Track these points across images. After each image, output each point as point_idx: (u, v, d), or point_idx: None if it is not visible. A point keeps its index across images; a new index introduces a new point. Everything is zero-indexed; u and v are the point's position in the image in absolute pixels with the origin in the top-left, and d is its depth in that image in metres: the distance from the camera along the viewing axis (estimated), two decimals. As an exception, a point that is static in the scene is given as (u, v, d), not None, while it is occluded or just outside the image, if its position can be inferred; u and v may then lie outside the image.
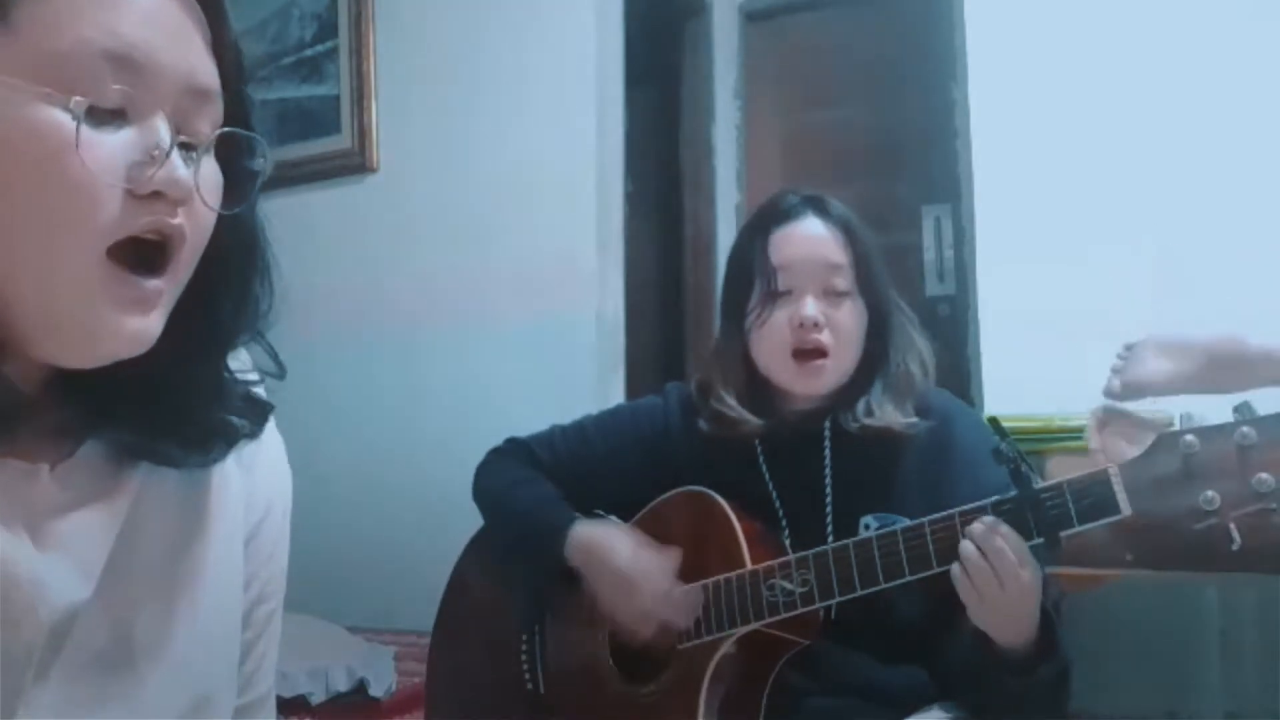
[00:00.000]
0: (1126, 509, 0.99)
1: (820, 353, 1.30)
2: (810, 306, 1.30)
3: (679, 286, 3.32)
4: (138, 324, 0.60)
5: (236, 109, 0.65)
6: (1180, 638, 2.11)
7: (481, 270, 2.56)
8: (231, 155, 0.64)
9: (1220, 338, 1.41)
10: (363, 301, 2.66)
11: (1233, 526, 0.95)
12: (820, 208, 1.36)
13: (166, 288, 0.61)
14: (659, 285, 3.35)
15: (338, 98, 2.71)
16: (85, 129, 0.56)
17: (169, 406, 0.66)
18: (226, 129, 0.63)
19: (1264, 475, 0.93)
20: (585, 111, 2.49)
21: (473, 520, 1.51)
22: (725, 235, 3.18)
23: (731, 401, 1.36)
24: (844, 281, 1.32)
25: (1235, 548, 0.95)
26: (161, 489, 0.68)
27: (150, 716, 0.65)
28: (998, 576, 1.05)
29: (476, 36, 2.60)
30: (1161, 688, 2.10)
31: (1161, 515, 0.99)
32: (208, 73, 0.62)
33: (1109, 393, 1.49)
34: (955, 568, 1.08)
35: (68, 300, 0.58)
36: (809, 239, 1.34)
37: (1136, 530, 1.01)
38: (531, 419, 1.57)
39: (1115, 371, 1.49)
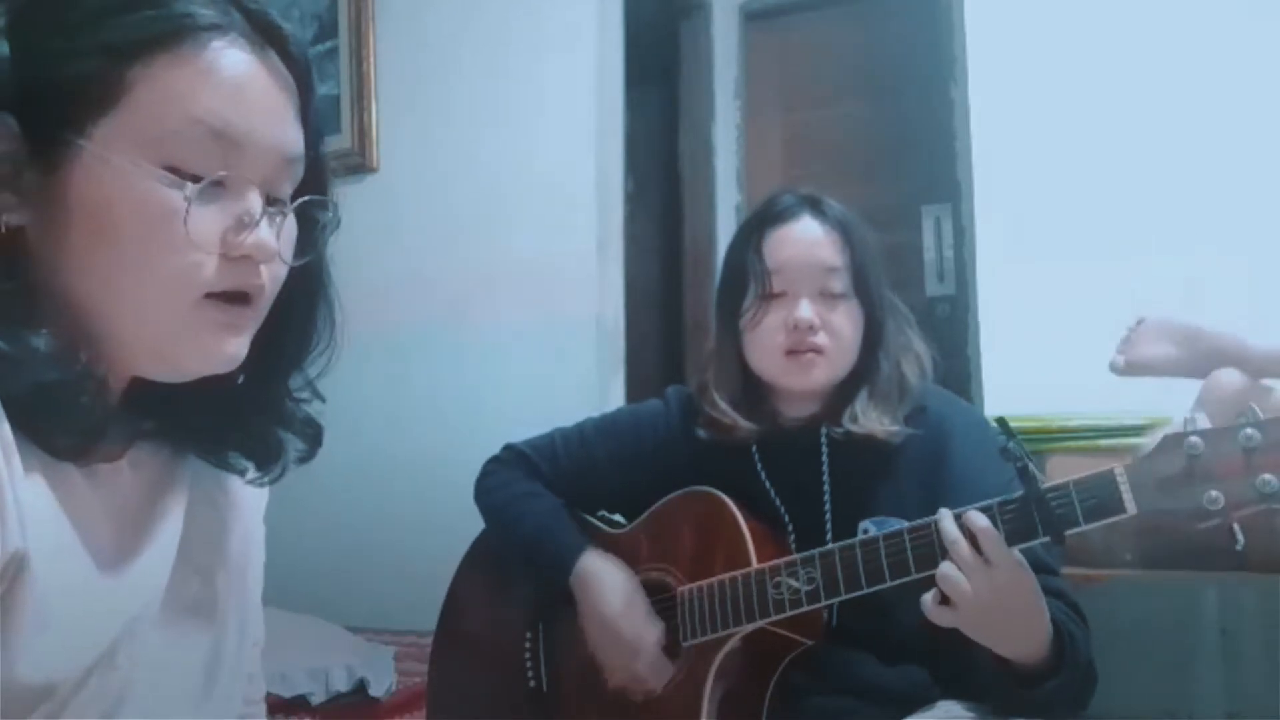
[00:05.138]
0: (1132, 508, 0.99)
1: (815, 350, 1.30)
2: (805, 308, 1.29)
3: (679, 287, 3.32)
4: (232, 345, 0.69)
5: (314, 167, 0.73)
6: (1180, 638, 2.11)
7: (481, 271, 2.56)
8: (306, 210, 0.73)
9: (1224, 333, 1.40)
10: (362, 302, 2.63)
11: (1236, 527, 0.96)
12: (816, 208, 1.35)
13: (253, 316, 0.70)
14: (659, 286, 3.35)
15: (338, 98, 2.71)
16: (193, 203, 0.64)
17: (235, 422, 0.76)
18: (308, 198, 0.72)
19: (1268, 476, 0.94)
20: (585, 111, 2.49)
21: (471, 521, 1.51)
22: (725, 235, 3.17)
23: (724, 406, 1.35)
24: (840, 284, 1.31)
25: (1239, 548, 0.95)
26: (202, 482, 0.79)
27: (225, 657, 0.79)
28: (963, 571, 1.05)
29: (476, 37, 2.60)
30: (1161, 688, 2.10)
31: (1166, 515, 0.99)
32: (296, 142, 0.71)
33: (1114, 368, 1.48)
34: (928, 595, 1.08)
35: (170, 331, 0.67)
36: (804, 240, 1.33)
37: (1140, 530, 1.02)
38: (531, 421, 1.57)
39: (1121, 348, 1.48)
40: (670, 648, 1.32)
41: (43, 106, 0.63)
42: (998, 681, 1.13)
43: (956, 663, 1.21)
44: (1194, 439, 0.98)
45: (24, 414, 0.62)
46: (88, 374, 0.65)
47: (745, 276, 1.34)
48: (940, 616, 1.07)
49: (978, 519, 1.05)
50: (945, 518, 1.08)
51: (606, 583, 1.33)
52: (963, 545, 1.05)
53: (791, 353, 1.30)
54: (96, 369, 0.65)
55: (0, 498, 0.60)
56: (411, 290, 2.63)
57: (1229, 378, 1.32)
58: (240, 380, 0.72)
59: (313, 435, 0.80)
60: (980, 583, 1.04)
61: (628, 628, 1.30)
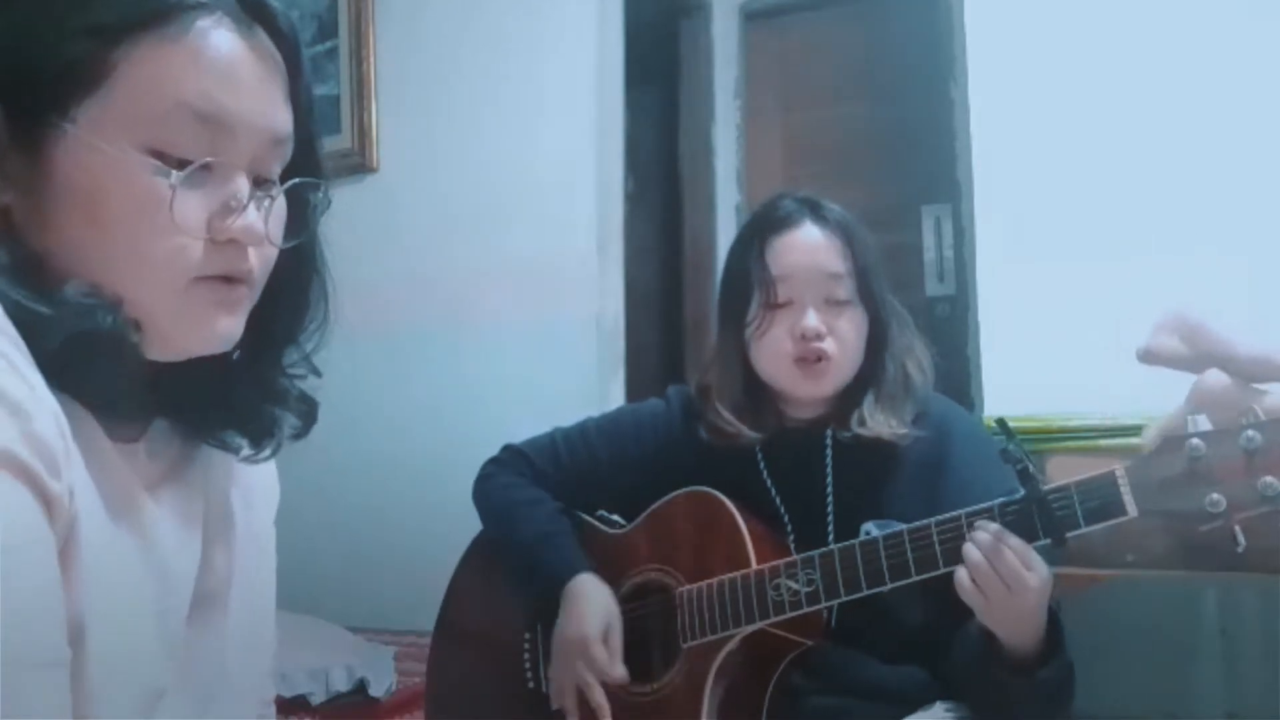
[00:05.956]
0: (1133, 511, 0.99)
1: (823, 358, 1.30)
2: (812, 318, 1.30)
3: (679, 287, 3.32)
4: (225, 323, 0.68)
5: (305, 146, 0.72)
6: (1180, 638, 2.11)
7: (481, 271, 2.56)
8: (297, 190, 0.71)
9: (1220, 333, 1.40)
10: (361, 302, 2.64)
11: (1238, 529, 0.95)
12: (817, 213, 1.35)
13: (247, 293, 0.69)
14: (659, 286, 3.35)
15: (338, 98, 2.71)
16: (179, 189, 0.63)
17: (229, 399, 0.75)
18: (297, 180, 0.70)
19: (1270, 479, 0.93)
20: (585, 111, 2.49)
21: (471, 521, 1.51)
22: (725, 235, 3.18)
23: (727, 415, 1.36)
24: (844, 290, 1.32)
25: (1240, 550, 0.95)
26: (214, 479, 0.78)
27: (234, 654, 0.77)
28: (1004, 581, 1.06)
29: (476, 36, 2.60)
30: (1161, 688, 2.10)
31: (1167, 517, 0.99)
32: (284, 121, 0.69)
33: (1136, 354, 1.49)
34: (960, 571, 1.08)
35: (164, 312, 0.65)
36: (808, 247, 1.33)
37: (1141, 532, 1.01)
38: (531, 421, 1.57)
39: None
40: (668, 649, 1.32)
41: (26, 88, 0.62)
42: (991, 670, 1.14)
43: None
44: (1195, 441, 0.97)
45: (68, 368, 0.61)
46: (125, 319, 0.63)
47: (749, 284, 1.34)
48: (971, 596, 1.08)
49: (1015, 542, 1.07)
50: (971, 550, 1.08)
51: (596, 603, 1.32)
52: (995, 580, 1.06)
53: (800, 361, 1.30)
54: (128, 315, 0.64)
55: (66, 441, 0.59)
56: (411, 290, 2.62)
57: (1214, 380, 1.32)
58: (235, 356, 0.71)
59: (307, 411, 0.79)
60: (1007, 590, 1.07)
61: (600, 654, 1.29)
